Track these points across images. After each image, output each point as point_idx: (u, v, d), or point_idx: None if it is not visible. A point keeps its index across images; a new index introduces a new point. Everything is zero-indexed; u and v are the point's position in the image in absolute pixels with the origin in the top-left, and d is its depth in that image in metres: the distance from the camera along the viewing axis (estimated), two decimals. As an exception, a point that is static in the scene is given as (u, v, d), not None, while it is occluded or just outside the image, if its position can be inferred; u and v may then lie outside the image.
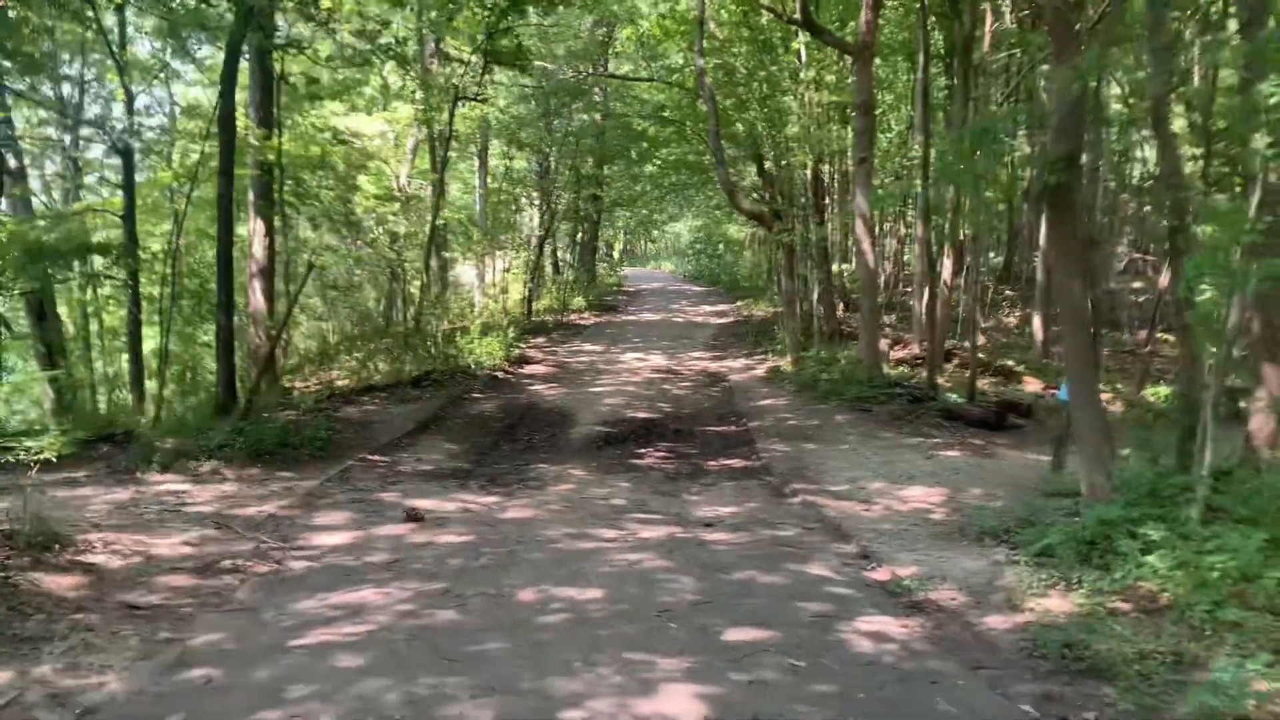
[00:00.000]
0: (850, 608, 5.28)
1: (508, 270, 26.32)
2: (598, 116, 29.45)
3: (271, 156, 15.71)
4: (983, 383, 16.11)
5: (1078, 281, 7.44)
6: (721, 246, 39.12)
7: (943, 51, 16.15)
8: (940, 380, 16.25)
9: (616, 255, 55.20)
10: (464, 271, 31.43)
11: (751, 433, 11.85)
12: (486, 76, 20.88)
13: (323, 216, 23.24)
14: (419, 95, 22.43)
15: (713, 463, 10.18)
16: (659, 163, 28.03)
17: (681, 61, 22.91)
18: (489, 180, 29.98)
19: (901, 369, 16.47)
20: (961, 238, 16.91)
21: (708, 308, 30.40)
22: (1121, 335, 21.10)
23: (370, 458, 9.76)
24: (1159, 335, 21.56)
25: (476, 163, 32.99)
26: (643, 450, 10.83)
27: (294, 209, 21.26)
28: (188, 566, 5.63)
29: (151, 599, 5.06)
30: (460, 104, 22.11)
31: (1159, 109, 8.79)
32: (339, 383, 17.23)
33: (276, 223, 23.59)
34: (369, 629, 4.66)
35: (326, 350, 20.61)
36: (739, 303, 30.66)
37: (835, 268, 22.69)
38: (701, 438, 11.63)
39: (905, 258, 30.64)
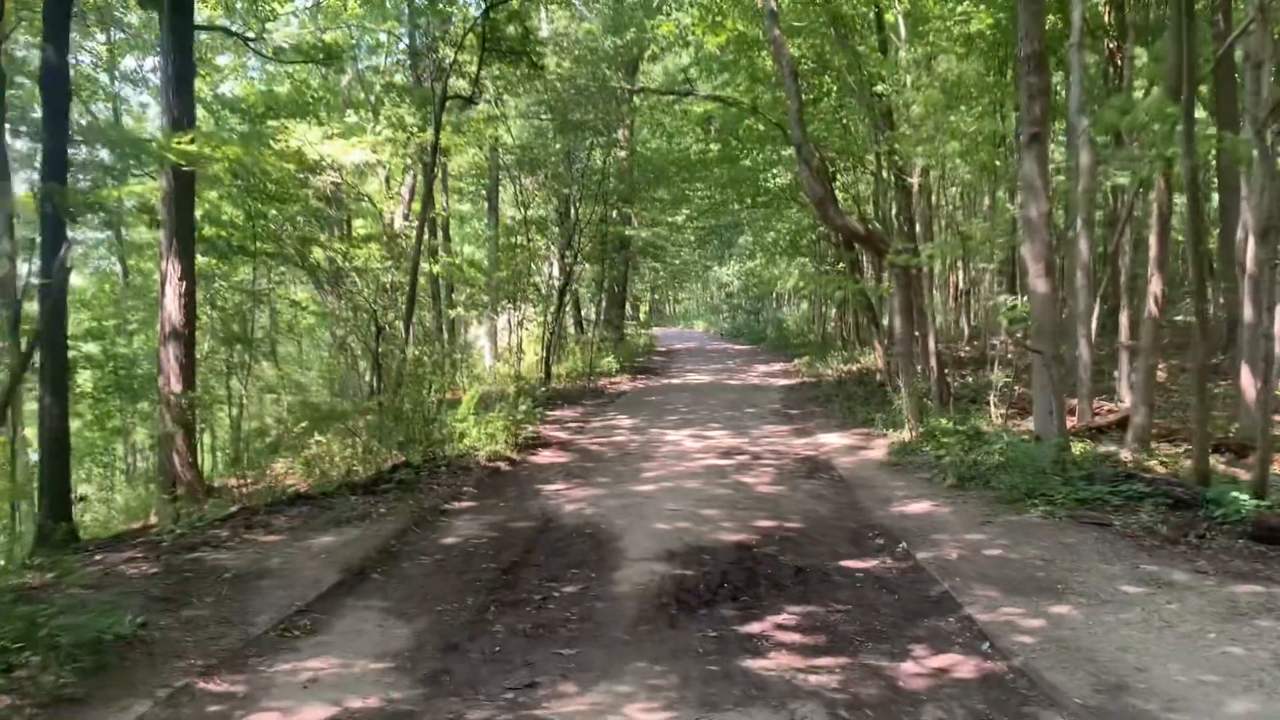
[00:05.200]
0: None
1: (520, 324, 21.41)
2: (622, 153, 24.92)
3: (180, 160, 10.86)
4: (1215, 463, 11.01)
5: None
6: (769, 296, 34.19)
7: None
8: (1126, 454, 11.22)
9: (643, 315, 50.56)
10: (480, 334, 26.84)
11: (930, 574, 6.72)
12: (485, 71, 16.15)
13: (284, 260, 18.59)
14: (401, 112, 17.90)
15: (910, 665, 5.05)
16: (701, 193, 23.18)
17: (732, 55, 18.08)
18: (500, 228, 25.43)
19: (1083, 445, 11.34)
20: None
21: (761, 368, 25.44)
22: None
23: (205, 685, 4.69)
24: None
25: (485, 206, 28.68)
26: (754, 626, 5.72)
27: (238, 247, 16.60)
28: None
29: None
30: (450, 112, 17.49)
31: None
32: (287, 481, 12.43)
33: (235, 269, 19.02)
34: None
35: (285, 436, 15.76)
36: (795, 361, 25.78)
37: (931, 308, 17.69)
38: (849, 588, 6.50)
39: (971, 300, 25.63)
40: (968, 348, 24.06)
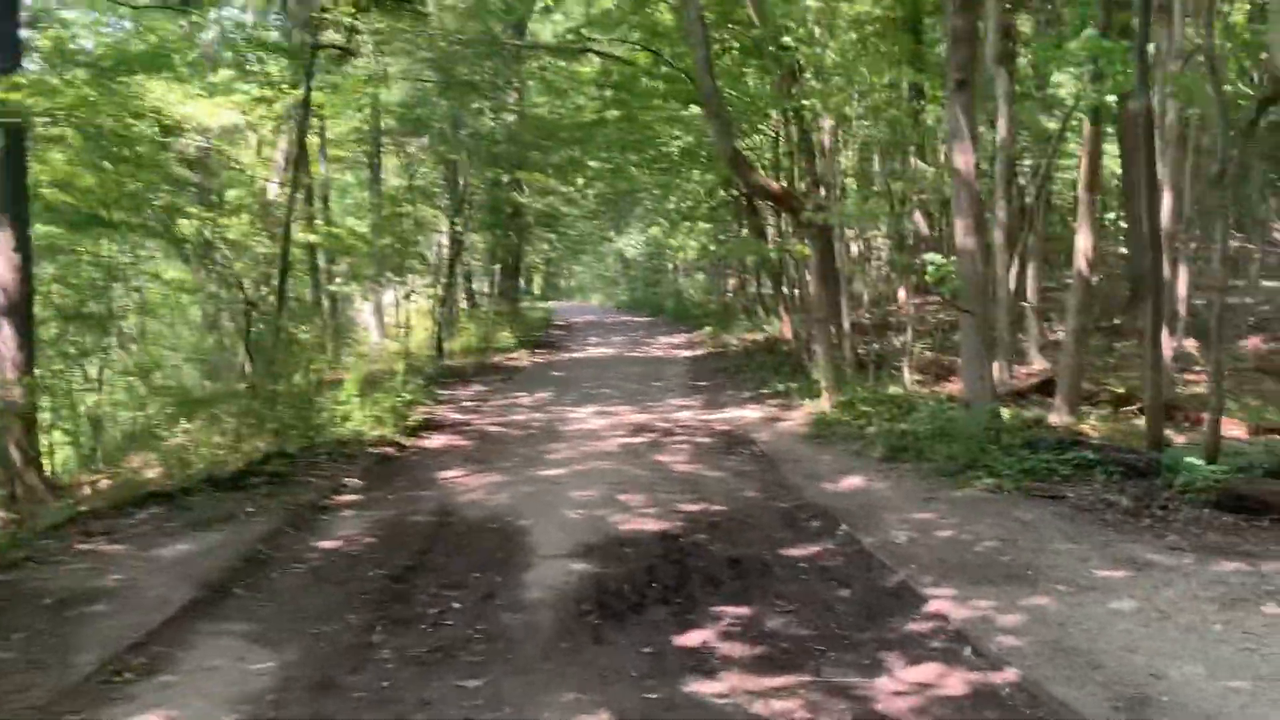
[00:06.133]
0: None
1: (408, 298, 20.08)
2: (512, 117, 23.64)
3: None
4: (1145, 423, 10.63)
5: None
6: (667, 268, 33.47)
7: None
8: (1055, 419, 10.78)
9: (538, 288, 49.37)
10: (367, 310, 25.33)
11: (881, 561, 5.96)
12: (363, 21, 14.78)
13: (148, 232, 16.93)
14: (269, 68, 16.42)
15: (886, 681, 4.23)
16: (600, 156, 22.12)
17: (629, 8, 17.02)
18: (384, 197, 23.86)
19: (1009, 411, 10.82)
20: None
21: (664, 339, 24.65)
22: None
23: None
24: None
25: (368, 175, 27.01)
26: (693, 635, 4.84)
27: (92, 216, 14.97)
28: None
29: None
30: (326, 70, 16.09)
31: None
32: (147, 475, 11.07)
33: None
34: None
35: (146, 425, 14.21)
36: (698, 332, 25.10)
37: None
38: (794, 582, 5.69)
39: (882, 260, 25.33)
40: (867, 315, 23.76)
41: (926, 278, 9.43)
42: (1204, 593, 5.07)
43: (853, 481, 8.29)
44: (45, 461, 12.21)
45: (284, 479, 8.55)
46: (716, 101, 11.38)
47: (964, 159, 9.37)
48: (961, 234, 9.67)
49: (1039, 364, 15.49)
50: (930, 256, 9.64)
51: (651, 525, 7.04)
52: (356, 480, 8.79)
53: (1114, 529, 6.38)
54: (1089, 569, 5.57)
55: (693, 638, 4.84)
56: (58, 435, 14.18)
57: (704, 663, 4.50)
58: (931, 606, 5.11)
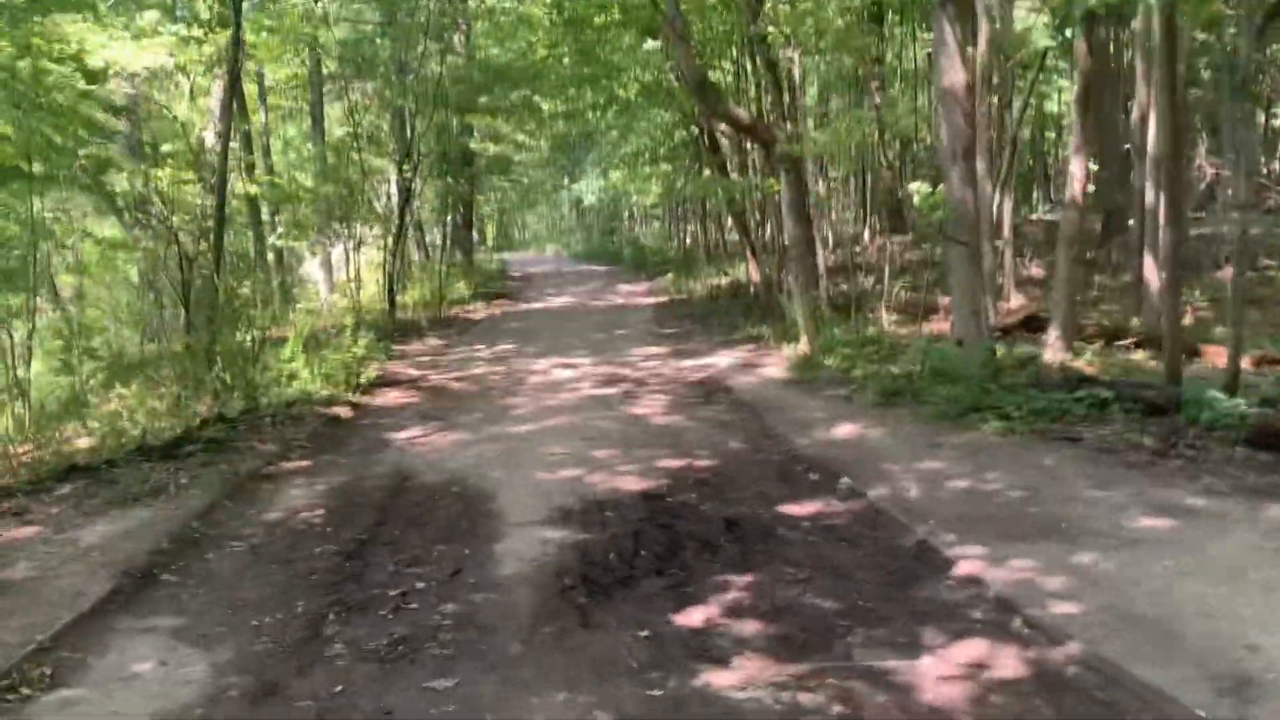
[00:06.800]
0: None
1: (357, 249, 19.06)
2: (460, 59, 22.57)
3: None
4: (1141, 357, 10.20)
5: None
6: (627, 214, 32.62)
7: None
8: (1049, 355, 10.18)
9: (490, 238, 48.28)
10: (315, 265, 24.23)
11: (894, 517, 5.37)
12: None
13: (75, 185, 15.76)
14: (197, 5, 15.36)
15: (929, 663, 3.61)
16: (554, 98, 21.19)
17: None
18: (328, 145, 22.68)
19: (1000, 349, 10.26)
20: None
21: (624, 287, 23.97)
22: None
23: None
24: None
25: (310, 122, 25.76)
26: (695, 613, 4.18)
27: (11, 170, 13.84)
28: None
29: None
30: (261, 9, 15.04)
31: None
32: (78, 445, 10.16)
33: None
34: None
35: (80, 392, 13.24)
36: (658, 279, 24.42)
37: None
38: (800, 545, 5.06)
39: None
40: (832, 256, 23.24)
41: (915, 207, 8.77)
42: (1268, 543, 4.51)
43: (846, 429, 7.68)
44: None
45: (223, 445, 7.77)
46: (682, 25, 10.55)
47: (953, 76, 8.67)
48: (948, 159, 8.98)
49: (1016, 300, 15.01)
50: (916, 185, 9.03)
51: (632, 484, 6.38)
52: (305, 444, 8.02)
53: (1142, 472, 5.82)
54: (1128, 519, 4.99)
55: (694, 616, 4.19)
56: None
57: (712, 647, 3.86)
58: (962, 569, 4.51)
